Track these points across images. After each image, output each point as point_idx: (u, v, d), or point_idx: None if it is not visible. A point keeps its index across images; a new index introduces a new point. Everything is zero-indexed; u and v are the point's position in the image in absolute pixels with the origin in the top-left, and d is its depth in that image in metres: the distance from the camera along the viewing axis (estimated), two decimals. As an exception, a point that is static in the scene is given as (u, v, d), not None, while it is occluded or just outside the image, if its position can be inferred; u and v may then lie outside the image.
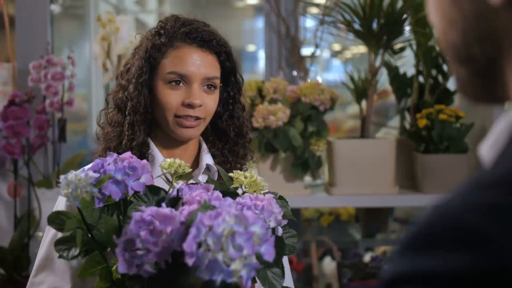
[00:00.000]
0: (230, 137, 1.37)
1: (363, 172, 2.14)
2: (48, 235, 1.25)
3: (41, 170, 2.37)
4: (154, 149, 1.32)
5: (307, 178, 2.30)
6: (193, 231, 0.75)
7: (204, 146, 1.37)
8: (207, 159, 1.35)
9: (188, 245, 0.75)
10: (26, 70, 2.37)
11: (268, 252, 0.76)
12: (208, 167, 1.35)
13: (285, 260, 1.39)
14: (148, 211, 0.83)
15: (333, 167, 2.17)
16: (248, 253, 0.73)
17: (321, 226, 2.93)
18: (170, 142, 1.33)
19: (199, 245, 0.75)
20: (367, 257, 2.34)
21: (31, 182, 2.31)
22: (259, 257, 0.77)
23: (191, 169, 1.06)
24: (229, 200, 0.91)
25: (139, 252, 0.82)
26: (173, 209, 0.85)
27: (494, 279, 0.39)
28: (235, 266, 0.72)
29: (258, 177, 1.08)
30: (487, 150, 0.49)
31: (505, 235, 0.39)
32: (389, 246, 2.68)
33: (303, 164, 2.13)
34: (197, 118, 1.28)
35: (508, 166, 0.44)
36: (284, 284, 1.25)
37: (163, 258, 0.83)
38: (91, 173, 0.91)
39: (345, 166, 2.14)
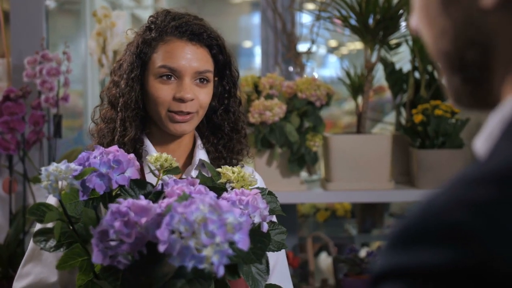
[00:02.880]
0: (224, 132, 1.36)
1: (359, 168, 2.14)
2: (38, 227, 1.25)
3: (37, 166, 2.36)
4: (148, 144, 1.32)
5: (303, 174, 2.30)
6: (166, 218, 0.76)
7: (199, 141, 1.37)
8: (200, 154, 1.34)
9: (161, 233, 0.76)
10: (21, 66, 2.36)
11: (242, 240, 0.77)
12: (203, 163, 1.34)
13: (283, 258, 1.38)
14: (125, 203, 0.84)
15: (329, 162, 2.17)
16: (220, 240, 0.74)
17: (317, 222, 2.93)
18: (164, 138, 1.33)
19: (173, 232, 0.76)
20: (363, 253, 2.34)
21: (26, 178, 2.31)
22: (240, 250, 0.78)
23: (178, 164, 1.06)
24: (211, 193, 0.91)
25: (113, 243, 0.83)
26: (151, 202, 0.86)
27: (477, 274, 0.39)
28: (206, 252, 0.73)
29: (246, 172, 1.08)
30: (481, 144, 0.50)
31: (489, 231, 0.40)
32: (385, 242, 2.68)
33: (299, 159, 2.13)
34: (189, 113, 1.28)
35: (497, 162, 0.44)
36: (282, 285, 1.24)
37: (136, 249, 0.83)
38: (72, 165, 0.91)
39: (341, 162, 2.14)
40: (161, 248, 0.75)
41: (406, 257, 0.42)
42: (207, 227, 0.73)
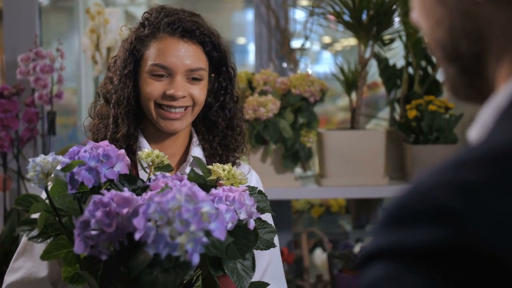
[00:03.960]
0: (219, 129, 1.36)
1: (354, 164, 2.15)
2: None
3: (31, 163, 2.36)
4: (142, 140, 1.31)
5: (298, 170, 2.30)
6: (143, 207, 0.77)
7: (195, 138, 1.36)
8: (196, 152, 1.34)
9: (138, 221, 0.76)
10: (15, 63, 2.35)
11: (218, 229, 0.77)
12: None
13: (277, 257, 1.37)
14: (108, 194, 0.85)
15: (324, 158, 2.17)
16: (195, 229, 0.74)
17: (312, 218, 2.94)
18: (159, 134, 1.33)
19: (149, 221, 0.77)
20: (357, 248, 2.35)
21: (20, 175, 2.30)
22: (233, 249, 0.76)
23: (169, 161, 1.06)
24: (195, 187, 0.91)
25: (94, 233, 0.83)
26: (134, 193, 0.87)
27: (461, 255, 0.40)
28: (181, 239, 0.74)
29: (238, 170, 1.08)
30: (475, 134, 0.50)
31: (476, 212, 0.41)
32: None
33: (293, 155, 2.14)
34: (182, 107, 1.28)
35: (486, 147, 0.45)
36: (275, 284, 1.24)
37: (117, 239, 0.84)
38: (59, 157, 0.91)
39: (335, 158, 2.15)
40: (137, 236, 0.76)
41: (394, 237, 0.43)
42: (181, 216, 0.74)
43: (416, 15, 0.56)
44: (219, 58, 1.32)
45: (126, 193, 0.85)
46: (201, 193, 0.77)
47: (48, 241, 0.97)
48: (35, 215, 0.99)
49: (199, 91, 1.29)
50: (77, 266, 0.96)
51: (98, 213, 0.82)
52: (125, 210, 0.83)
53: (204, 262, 0.88)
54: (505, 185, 0.41)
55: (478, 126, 0.50)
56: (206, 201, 0.76)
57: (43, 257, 0.96)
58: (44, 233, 0.97)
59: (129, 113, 1.29)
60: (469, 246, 0.40)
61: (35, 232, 0.97)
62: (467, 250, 0.40)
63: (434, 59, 2.33)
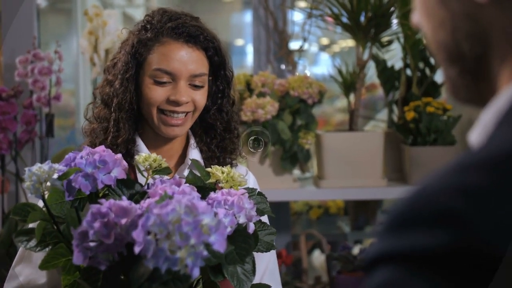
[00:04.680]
0: (217, 132, 1.36)
1: (352, 165, 2.15)
2: None
3: (29, 166, 2.35)
4: (140, 144, 1.31)
5: (296, 171, 2.30)
6: (142, 219, 0.76)
7: (192, 141, 1.36)
8: (193, 154, 1.34)
9: (137, 234, 0.75)
10: (13, 65, 2.35)
11: (218, 241, 0.76)
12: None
13: (274, 259, 1.38)
14: (106, 204, 0.84)
15: (322, 160, 2.17)
16: (195, 242, 0.73)
17: (310, 219, 2.94)
18: (157, 138, 1.32)
19: (149, 234, 0.75)
20: (356, 250, 2.35)
21: (18, 178, 2.30)
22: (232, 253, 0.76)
23: (167, 164, 1.06)
24: (194, 193, 0.91)
25: (92, 244, 0.82)
26: (132, 202, 0.86)
27: (466, 257, 0.41)
28: (180, 254, 0.73)
29: (236, 172, 1.08)
30: (476, 137, 0.50)
31: (479, 215, 0.41)
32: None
33: (291, 157, 2.14)
34: (183, 112, 1.28)
35: (488, 150, 0.45)
36: (275, 285, 1.24)
37: (116, 250, 0.83)
38: (56, 166, 0.91)
39: (333, 159, 2.15)
40: (137, 249, 0.75)
41: (398, 241, 0.43)
42: (181, 229, 0.73)
43: (418, 17, 0.56)
44: (219, 62, 1.32)
45: (124, 202, 0.84)
46: (201, 204, 0.76)
47: (47, 249, 0.96)
48: (33, 224, 0.98)
49: (201, 96, 1.29)
50: (77, 274, 0.96)
51: (96, 224, 0.81)
52: (123, 220, 0.81)
53: (203, 268, 0.88)
54: (507, 188, 0.42)
55: (479, 129, 0.50)
56: (206, 213, 0.75)
57: (42, 266, 0.95)
58: (42, 241, 0.96)
59: (130, 117, 1.29)
60: (472, 249, 0.40)
61: (32, 243, 0.96)
62: (471, 253, 0.40)
63: (432, 60, 2.33)
